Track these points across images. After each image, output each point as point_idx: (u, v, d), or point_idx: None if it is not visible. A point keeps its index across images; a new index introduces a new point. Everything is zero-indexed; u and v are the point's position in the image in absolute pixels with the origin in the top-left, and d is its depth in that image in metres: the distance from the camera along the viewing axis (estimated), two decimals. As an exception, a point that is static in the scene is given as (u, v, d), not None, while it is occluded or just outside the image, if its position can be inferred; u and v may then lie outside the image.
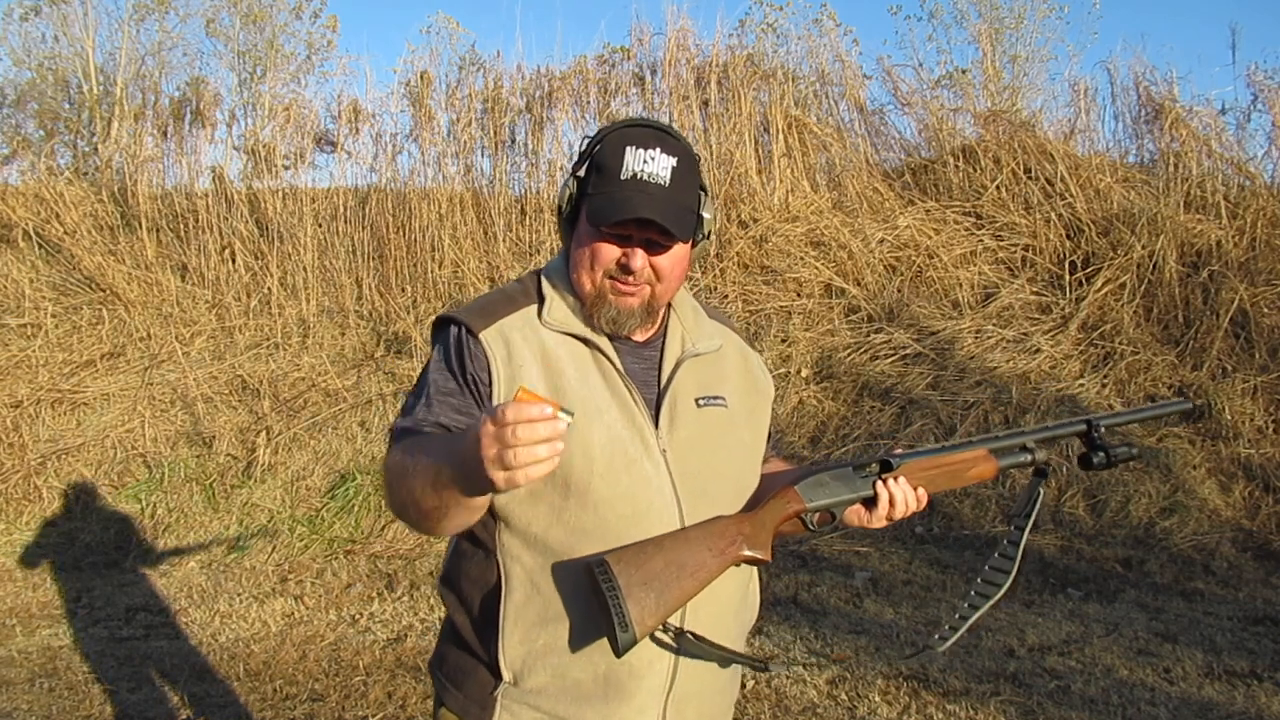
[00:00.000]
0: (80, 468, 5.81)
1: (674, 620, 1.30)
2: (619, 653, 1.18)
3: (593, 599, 1.22)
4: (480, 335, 1.31)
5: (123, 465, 5.85)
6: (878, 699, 3.26)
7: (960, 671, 3.44)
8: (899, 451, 1.40)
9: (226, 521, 5.41)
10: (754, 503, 1.37)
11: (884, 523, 1.38)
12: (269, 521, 5.37)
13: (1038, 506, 1.43)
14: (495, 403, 1.29)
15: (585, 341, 1.35)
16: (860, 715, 3.17)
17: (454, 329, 1.34)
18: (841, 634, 3.86)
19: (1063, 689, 3.32)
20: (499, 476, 1.01)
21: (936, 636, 1.38)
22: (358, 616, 4.24)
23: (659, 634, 1.28)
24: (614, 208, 1.27)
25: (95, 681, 3.62)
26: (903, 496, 1.36)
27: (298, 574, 4.84)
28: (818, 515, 1.35)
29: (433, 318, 1.40)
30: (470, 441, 1.04)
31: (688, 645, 1.30)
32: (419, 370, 1.39)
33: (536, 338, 1.33)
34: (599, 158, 1.31)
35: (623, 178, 1.28)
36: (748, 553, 1.28)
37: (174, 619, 4.29)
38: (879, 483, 1.36)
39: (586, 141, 1.37)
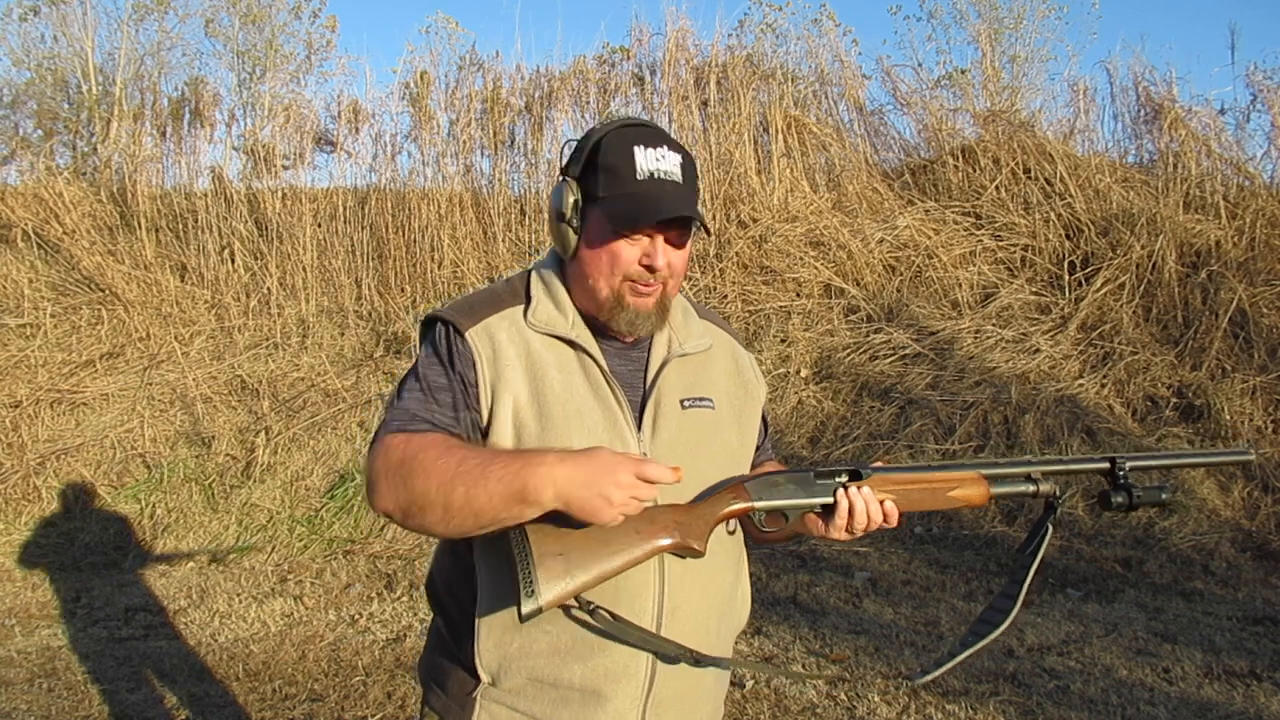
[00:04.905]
0: (79, 468, 5.81)
1: (650, 620, 1.29)
2: (522, 619, 1.16)
3: (505, 566, 1.20)
4: (466, 334, 1.31)
5: (122, 465, 5.84)
6: (877, 699, 3.26)
7: (959, 671, 3.43)
8: (878, 464, 1.35)
9: (226, 522, 5.41)
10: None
11: (844, 534, 1.31)
12: (268, 522, 5.37)
13: (1046, 542, 1.34)
14: (482, 403, 1.29)
15: (570, 343, 1.34)
16: (859, 715, 3.17)
17: (441, 327, 1.34)
18: (841, 634, 3.86)
19: (1062, 689, 3.31)
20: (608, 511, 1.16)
21: (919, 670, 1.34)
22: (357, 616, 4.24)
23: (576, 611, 1.26)
24: (643, 210, 1.27)
25: (94, 682, 3.62)
26: (863, 508, 1.29)
27: (297, 574, 4.84)
28: (766, 515, 1.31)
29: (421, 315, 1.39)
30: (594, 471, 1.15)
31: (603, 623, 1.26)
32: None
33: (522, 338, 1.33)
34: (603, 159, 1.29)
35: (639, 178, 1.27)
36: (676, 540, 1.25)
37: (173, 619, 4.29)
38: (839, 491, 1.30)
39: (573, 144, 1.35)
